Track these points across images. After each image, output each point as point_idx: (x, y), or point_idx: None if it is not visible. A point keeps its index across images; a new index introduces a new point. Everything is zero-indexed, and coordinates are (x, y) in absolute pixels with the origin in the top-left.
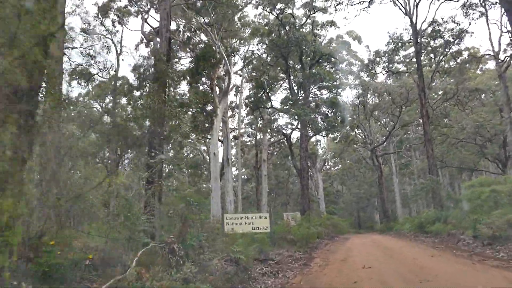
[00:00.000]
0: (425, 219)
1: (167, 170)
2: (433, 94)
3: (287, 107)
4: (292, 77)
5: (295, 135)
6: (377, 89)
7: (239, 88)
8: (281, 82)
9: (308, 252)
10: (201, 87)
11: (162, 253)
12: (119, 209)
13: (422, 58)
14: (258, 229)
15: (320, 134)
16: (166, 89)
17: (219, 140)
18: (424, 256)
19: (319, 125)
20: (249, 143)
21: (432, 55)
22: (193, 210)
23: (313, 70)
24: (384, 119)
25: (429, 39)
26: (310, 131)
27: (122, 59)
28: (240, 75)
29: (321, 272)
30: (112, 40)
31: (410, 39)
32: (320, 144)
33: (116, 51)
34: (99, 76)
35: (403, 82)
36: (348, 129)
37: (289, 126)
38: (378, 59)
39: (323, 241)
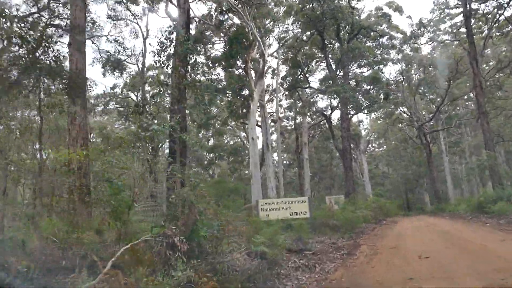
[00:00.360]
0: (484, 198)
1: (207, 157)
2: (484, 65)
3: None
4: (330, 55)
5: (336, 116)
6: (422, 62)
7: (276, 71)
8: (319, 62)
9: (353, 238)
10: (236, 72)
11: (158, 248)
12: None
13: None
14: (296, 214)
15: (362, 111)
16: (186, 62)
17: (258, 125)
18: (494, 241)
19: (360, 101)
20: (289, 127)
21: (481, 23)
22: (203, 194)
23: (351, 45)
24: (431, 96)
25: (479, 3)
26: (350, 110)
27: (149, 44)
28: (276, 58)
29: (367, 263)
30: (138, 24)
31: (458, 3)
32: (362, 125)
33: (143, 35)
34: (127, 62)
35: (451, 53)
36: (392, 107)
37: (329, 107)
38: (422, 29)
39: (370, 225)
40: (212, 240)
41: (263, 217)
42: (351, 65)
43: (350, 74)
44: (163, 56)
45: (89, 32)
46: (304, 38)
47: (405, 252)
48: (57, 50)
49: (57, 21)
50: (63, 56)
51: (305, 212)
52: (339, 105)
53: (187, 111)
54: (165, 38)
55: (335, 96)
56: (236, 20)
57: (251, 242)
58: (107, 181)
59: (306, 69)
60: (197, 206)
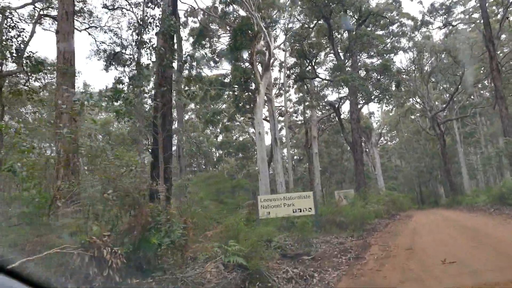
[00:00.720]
0: (507, 189)
1: (216, 154)
2: (499, 52)
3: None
4: (338, 45)
5: (346, 108)
6: (434, 48)
7: (283, 64)
8: (327, 55)
9: (363, 237)
10: (242, 65)
11: (76, 264)
12: None
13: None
14: (300, 211)
15: (373, 101)
16: (172, 43)
17: (266, 120)
18: None
19: (370, 90)
20: (299, 122)
21: (494, 7)
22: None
23: (360, 31)
24: (444, 85)
25: None
26: (360, 100)
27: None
28: (284, 50)
29: (378, 270)
30: (134, 13)
31: None
32: (374, 117)
33: (139, 25)
34: (124, 54)
35: (465, 37)
36: (404, 97)
37: (338, 98)
38: (434, 13)
39: (383, 221)
40: (173, 248)
41: (263, 215)
42: (361, 55)
43: (359, 63)
44: (143, 36)
45: (86, 23)
46: (312, 25)
47: (424, 254)
48: (23, 29)
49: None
50: (30, 34)
51: (310, 208)
52: (349, 96)
53: (194, 106)
54: (145, 15)
55: (343, 85)
56: (242, 13)
57: (227, 249)
58: (9, 171)
59: (314, 60)
60: (150, 205)
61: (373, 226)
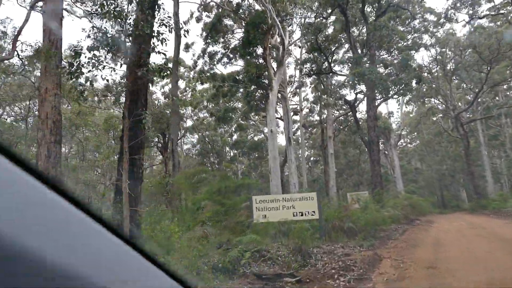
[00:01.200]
0: None
1: (231, 153)
2: None
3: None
4: (357, 40)
5: (363, 108)
6: (458, 43)
7: (299, 61)
8: (346, 52)
9: (374, 247)
10: (255, 61)
11: None
12: None
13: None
14: (302, 215)
15: (391, 97)
16: (151, 13)
17: (280, 119)
18: None
19: (388, 84)
20: (315, 122)
21: None
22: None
23: (378, 22)
24: (468, 85)
25: None
26: (378, 95)
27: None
28: (300, 47)
29: None
30: None
31: None
32: (393, 117)
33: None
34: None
35: (493, 32)
36: (425, 93)
37: (354, 95)
38: (458, 4)
39: (399, 227)
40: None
41: (258, 218)
42: (380, 51)
43: (378, 58)
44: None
45: (88, 11)
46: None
47: (451, 277)
48: None
49: None
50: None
51: (313, 212)
52: (365, 92)
53: (207, 103)
54: None
55: (359, 80)
56: (258, 8)
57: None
58: None
59: (331, 57)
60: None
61: (388, 233)
